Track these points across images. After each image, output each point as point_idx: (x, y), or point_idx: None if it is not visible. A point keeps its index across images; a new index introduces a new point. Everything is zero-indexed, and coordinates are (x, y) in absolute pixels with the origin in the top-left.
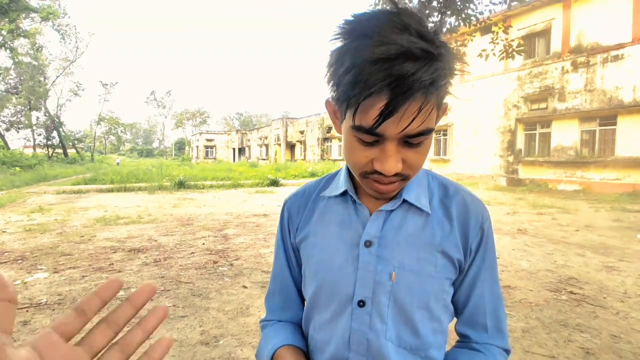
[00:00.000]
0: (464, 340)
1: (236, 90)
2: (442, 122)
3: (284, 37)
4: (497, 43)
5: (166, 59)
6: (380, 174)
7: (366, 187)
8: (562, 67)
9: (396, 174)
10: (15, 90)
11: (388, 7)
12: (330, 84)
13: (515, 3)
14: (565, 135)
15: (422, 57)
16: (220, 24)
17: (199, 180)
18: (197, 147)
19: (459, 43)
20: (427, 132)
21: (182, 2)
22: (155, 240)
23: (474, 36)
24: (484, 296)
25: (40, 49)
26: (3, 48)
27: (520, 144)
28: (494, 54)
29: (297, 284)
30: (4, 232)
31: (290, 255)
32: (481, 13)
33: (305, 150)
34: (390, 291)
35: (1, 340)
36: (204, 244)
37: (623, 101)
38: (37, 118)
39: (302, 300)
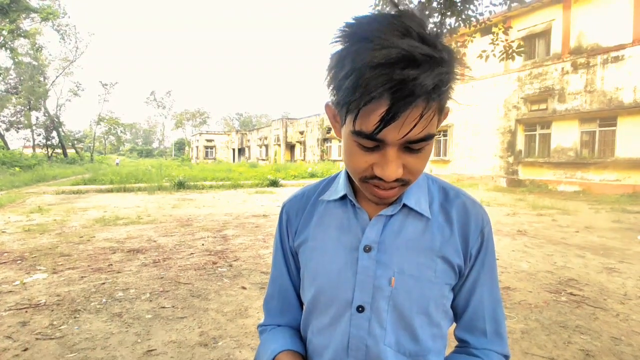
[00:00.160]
0: (463, 346)
1: (236, 91)
2: (442, 123)
3: (284, 37)
4: (497, 44)
5: (166, 59)
6: (380, 179)
7: (366, 192)
8: (562, 68)
9: (396, 180)
10: (15, 91)
11: (389, 9)
12: (330, 88)
13: (515, 4)
14: (565, 136)
15: (424, 61)
16: (220, 24)
17: (198, 181)
18: (197, 147)
19: (459, 44)
20: (428, 138)
21: (182, 2)
22: (155, 241)
23: (474, 37)
24: (483, 301)
25: (40, 49)
26: (3, 48)
27: (520, 144)
28: (494, 55)
29: (295, 288)
30: (3, 232)
31: (289, 259)
32: (481, 14)
33: (305, 151)
34: (389, 296)
35: None
36: (203, 244)
37: (623, 102)
38: (37, 118)
39: (301, 304)
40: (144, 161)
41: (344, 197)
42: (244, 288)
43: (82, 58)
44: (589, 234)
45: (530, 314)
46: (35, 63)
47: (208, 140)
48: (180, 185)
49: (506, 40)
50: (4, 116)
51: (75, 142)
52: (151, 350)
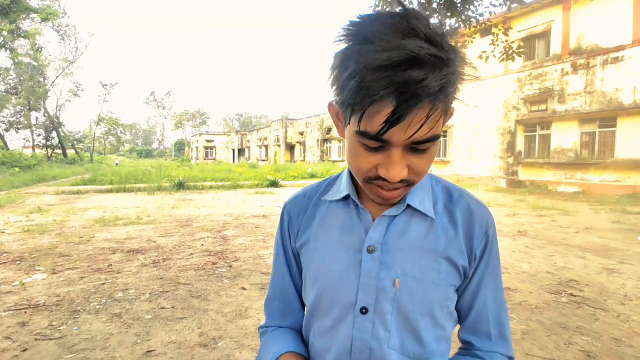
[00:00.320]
0: (467, 347)
1: (236, 91)
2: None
3: (284, 37)
4: (497, 45)
5: (166, 59)
6: (385, 179)
7: (369, 193)
8: (562, 69)
9: (401, 180)
10: (14, 91)
11: (392, 8)
12: (334, 87)
13: (515, 5)
14: (565, 137)
15: (430, 62)
16: (220, 24)
17: (198, 181)
18: (197, 147)
19: (459, 44)
20: (434, 139)
21: (182, 2)
22: (154, 241)
23: (473, 38)
24: (487, 303)
25: (39, 49)
26: (3, 49)
27: (520, 145)
28: (494, 56)
29: (297, 289)
30: (2, 232)
31: (291, 259)
32: (481, 15)
33: (304, 152)
34: (393, 298)
35: None
36: (203, 245)
37: (623, 103)
38: (37, 118)
39: (303, 306)
40: (143, 161)
41: (346, 197)
42: (243, 289)
43: (82, 58)
44: (589, 235)
45: (531, 314)
46: (35, 63)
47: (208, 141)
48: (180, 186)
49: (506, 40)
50: (3, 116)
51: (75, 142)
52: (151, 351)
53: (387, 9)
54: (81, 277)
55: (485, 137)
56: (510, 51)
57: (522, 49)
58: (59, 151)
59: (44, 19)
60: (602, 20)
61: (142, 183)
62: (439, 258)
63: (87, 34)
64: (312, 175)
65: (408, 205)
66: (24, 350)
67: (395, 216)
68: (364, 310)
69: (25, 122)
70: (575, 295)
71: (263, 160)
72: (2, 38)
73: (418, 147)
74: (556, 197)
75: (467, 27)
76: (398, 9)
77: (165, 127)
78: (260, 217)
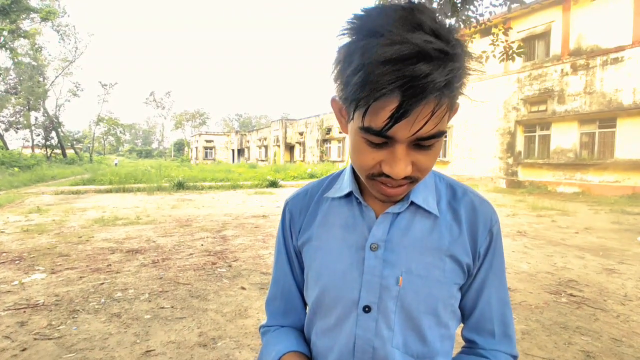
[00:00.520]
0: (470, 346)
1: (236, 92)
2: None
3: (284, 38)
4: (497, 45)
5: (166, 60)
6: (388, 176)
7: (372, 190)
8: (562, 70)
9: (405, 177)
10: (14, 91)
11: (399, 1)
12: (337, 82)
13: (515, 5)
14: (565, 138)
15: (436, 57)
16: (220, 24)
17: (198, 181)
18: (197, 148)
19: None
20: (439, 135)
21: (182, 2)
22: (154, 241)
23: (473, 38)
24: (491, 302)
25: (39, 49)
26: (3, 48)
27: (520, 146)
28: (494, 56)
29: (299, 288)
30: (1, 232)
31: (292, 258)
32: (481, 15)
33: (304, 152)
34: (397, 296)
35: None
36: (202, 245)
37: (622, 104)
38: (36, 118)
39: (305, 305)
40: (143, 162)
41: (349, 195)
42: (243, 288)
43: (82, 58)
44: (588, 235)
45: (531, 314)
46: (34, 63)
47: (207, 141)
48: (180, 186)
49: (506, 41)
50: (3, 116)
51: (75, 142)
52: (150, 351)
53: (399, 2)
54: (80, 277)
55: (485, 138)
56: (511, 51)
57: (522, 49)
58: (59, 151)
59: (44, 18)
60: (602, 21)
61: (141, 183)
62: (444, 256)
63: (86, 33)
64: (311, 176)
65: (412, 203)
66: (23, 350)
67: (398, 213)
68: (367, 309)
69: (25, 122)
70: (574, 296)
71: (263, 161)
72: (2, 38)
73: (423, 143)
74: (556, 197)
75: (467, 27)
76: (403, 2)
77: (165, 127)
78: (260, 217)
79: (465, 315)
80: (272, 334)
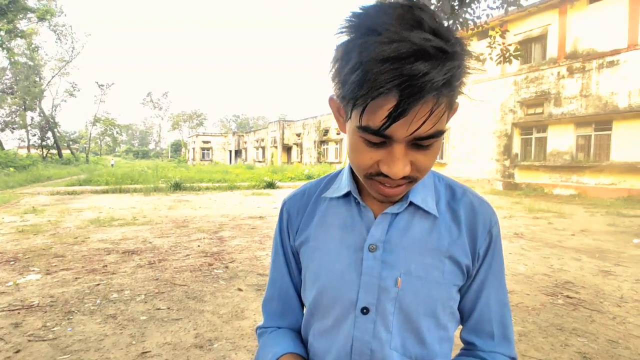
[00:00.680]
0: (469, 348)
1: (233, 93)
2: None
3: (283, 38)
4: (495, 47)
5: (163, 60)
6: (387, 176)
7: (370, 189)
8: (558, 73)
9: (403, 177)
10: (10, 91)
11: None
12: (335, 81)
13: (512, 8)
14: (561, 140)
15: (435, 55)
16: (219, 24)
17: (194, 182)
18: (194, 149)
19: None
20: (438, 135)
21: (180, 2)
22: (150, 242)
23: (471, 40)
24: (490, 303)
25: (36, 49)
26: (0, 48)
27: (517, 148)
28: (491, 59)
29: (296, 289)
30: None
31: (290, 258)
32: (479, 17)
33: (301, 153)
34: (395, 298)
35: None
36: (199, 246)
37: (618, 107)
38: (32, 118)
39: (302, 306)
40: (139, 162)
41: (347, 195)
42: (240, 290)
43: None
44: (584, 237)
45: (528, 316)
46: (31, 63)
47: (205, 142)
48: (177, 187)
49: (503, 43)
50: None
51: (71, 142)
52: (146, 352)
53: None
54: (76, 278)
55: (481, 140)
56: (508, 54)
57: (519, 52)
58: (55, 151)
59: (41, 18)
60: (598, 24)
61: (138, 184)
62: (443, 257)
63: (83, 33)
64: (309, 177)
65: (410, 203)
66: (17, 352)
67: (397, 214)
68: (365, 311)
69: (21, 122)
70: (571, 297)
71: (260, 162)
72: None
73: (421, 143)
74: (552, 199)
75: (465, 29)
76: (402, 0)
77: (162, 128)
78: (257, 219)
79: (464, 317)
80: (269, 336)
